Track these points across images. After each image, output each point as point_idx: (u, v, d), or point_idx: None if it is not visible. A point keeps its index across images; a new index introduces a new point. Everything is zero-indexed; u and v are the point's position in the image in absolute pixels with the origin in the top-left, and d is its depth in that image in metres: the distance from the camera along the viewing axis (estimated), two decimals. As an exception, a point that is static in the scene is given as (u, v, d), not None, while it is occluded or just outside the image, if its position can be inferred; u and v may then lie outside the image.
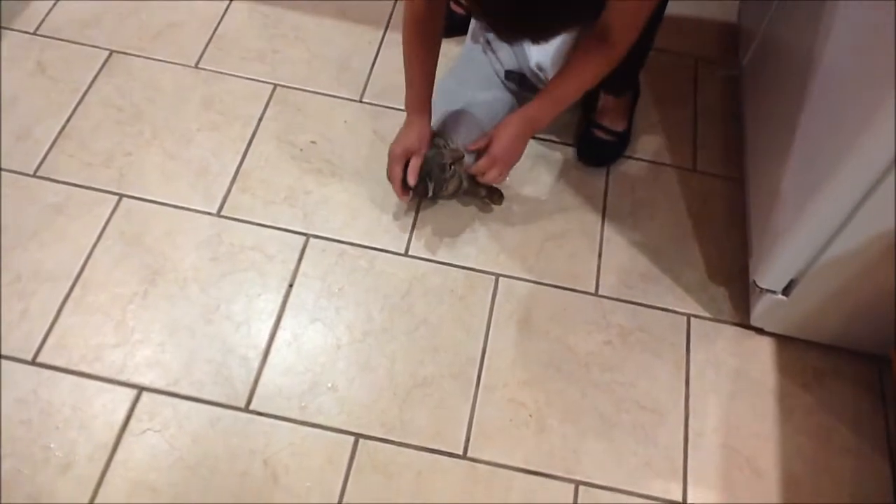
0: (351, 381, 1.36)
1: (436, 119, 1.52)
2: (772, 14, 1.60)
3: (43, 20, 1.77)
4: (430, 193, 1.48)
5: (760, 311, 1.42)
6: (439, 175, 1.47)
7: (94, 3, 1.81)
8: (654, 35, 1.46)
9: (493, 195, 1.55)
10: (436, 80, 1.47)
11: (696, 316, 1.49)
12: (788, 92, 1.38)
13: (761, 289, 1.37)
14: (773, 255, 1.30)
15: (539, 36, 1.11)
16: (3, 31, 1.75)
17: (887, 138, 1.01)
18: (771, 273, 1.33)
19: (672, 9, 1.38)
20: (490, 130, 1.47)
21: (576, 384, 1.39)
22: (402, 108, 1.51)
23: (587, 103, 1.69)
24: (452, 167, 1.47)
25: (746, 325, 1.48)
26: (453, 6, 1.68)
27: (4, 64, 1.69)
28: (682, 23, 1.91)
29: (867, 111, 1.03)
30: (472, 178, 1.50)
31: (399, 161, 1.46)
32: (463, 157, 1.48)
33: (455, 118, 1.56)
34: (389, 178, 1.49)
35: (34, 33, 1.75)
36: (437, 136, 1.51)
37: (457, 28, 1.76)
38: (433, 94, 1.48)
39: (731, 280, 1.53)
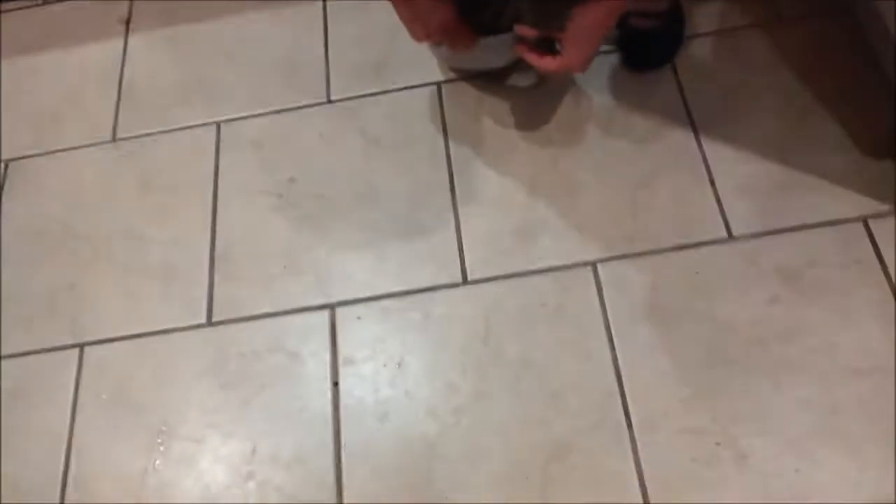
0: (464, 486, 0.97)
1: None
2: None
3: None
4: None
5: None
6: None
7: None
8: None
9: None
10: None
11: (872, 216, 1.07)
12: None
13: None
14: None
15: None
16: None
17: None
18: None
19: None
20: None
21: (758, 374, 0.99)
22: (388, 89, 1.18)
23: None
24: None
25: (946, 202, 1.05)
26: None
27: None
28: None
29: None
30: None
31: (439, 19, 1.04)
32: None
33: None
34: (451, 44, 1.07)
35: None
36: None
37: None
38: None
39: (893, 146, 1.10)
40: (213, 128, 1.29)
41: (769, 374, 0.98)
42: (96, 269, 1.20)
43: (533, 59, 1.03)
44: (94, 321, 1.15)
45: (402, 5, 1.03)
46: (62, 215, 1.25)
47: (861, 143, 1.11)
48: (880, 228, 1.06)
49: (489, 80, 1.25)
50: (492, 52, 1.11)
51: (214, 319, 1.13)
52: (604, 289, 1.07)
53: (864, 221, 1.07)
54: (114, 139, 1.32)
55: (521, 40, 1.06)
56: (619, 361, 1.02)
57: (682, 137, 1.16)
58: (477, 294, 1.09)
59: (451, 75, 1.27)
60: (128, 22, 1.45)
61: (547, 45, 1.04)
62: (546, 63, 1.02)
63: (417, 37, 1.07)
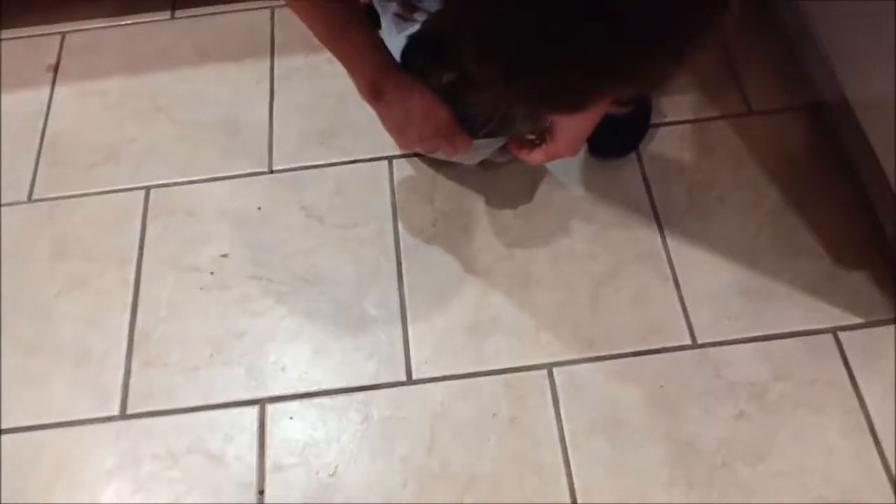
0: None
1: None
2: None
3: None
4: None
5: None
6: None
7: None
8: None
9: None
10: None
11: (842, 328, 1.01)
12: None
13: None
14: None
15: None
16: None
17: None
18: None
19: None
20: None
21: (725, 498, 0.91)
22: (334, 162, 1.10)
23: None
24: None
25: (917, 316, 1.01)
26: None
27: None
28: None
29: None
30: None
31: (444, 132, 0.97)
32: None
33: None
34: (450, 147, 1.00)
35: None
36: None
37: None
38: None
39: (867, 255, 1.06)
40: (142, 193, 1.18)
41: (735, 501, 0.91)
42: (-2, 348, 1.07)
43: (524, 154, 0.97)
44: (-8, 407, 1.02)
45: (396, 106, 0.94)
46: (-36, 283, 1.12)
47: (832, 250, 1.07)
48: (851, 341, 1.01)
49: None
50: (479, 150, 1.03)
51: (129, 411, 1.01)
52: (560, 396, 0.99)
53: (835, 333, 1.01)
54: (30, 199, 1.19)
55: (513, 138, 0.99)
56: (574, 480, 0.93)
57: (646, 233, 1.10)
58: (422, 395, 1.00)
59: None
60: (56, 69, 1.33)
61: (539, 139, 0.98)
62: (536, 156, 0.96)
63: (409, 140, 0.99)
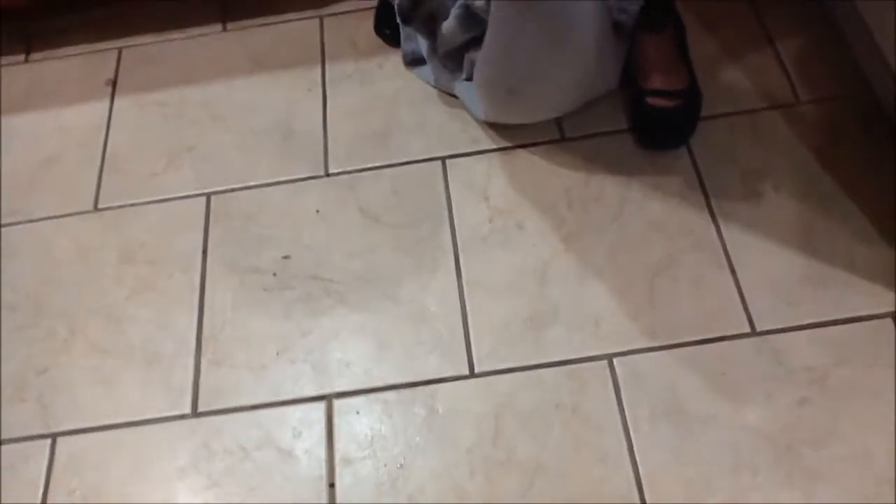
0: None
1: None
2: None
3: None
4: None
5: None
6: None
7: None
8: None
9: None
10: None
11: (901, 311, 1.01)
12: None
13: None
14: None
15: None
16: None
17: None
18: None
19: None
20: None
21: (789, 486, 0.92)
22: (388, 163, 1.14)
23: (628, 67, 1.20)
24: None
25: (978, 296, 1.00)
26: None
27: None
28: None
29: None
30: None
31: None
32: None
33: None
34: None
35: None
36: None
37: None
38: None
39: (925, 240, 1.05)
40: (203, 199, 1.22)
41: (801, 486, 0.92)
42: (71, 352, 1.11)
43: None
44: (68, 409, 1.06)
45: None
46: (36, 290, 1.16)
47: (887, 234, 1.07)
48: (910, 325, 1.01)
49: (496, 155, 1.20)
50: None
51: (200, 410, 1.04)
52: (621, 386, 1.00)
53: (894, 317, 1.01)
54: (95, 208, 1.24)
55: None
56: (640, 467, 0.95)
57: (700, 222, 1.11)
58: (485, 388, 1.02)
59: (457, 149, 1.21)
60: (114, 83, 1.38)
61: None
62: None
63: None
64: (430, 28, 1.18)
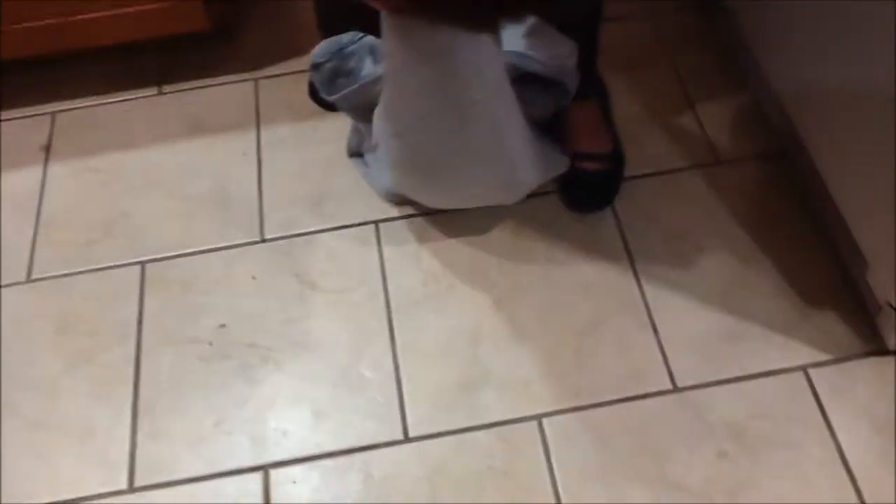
0: None
1: None
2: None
3: None
4: None
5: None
6: None
7: None
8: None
9: None
10: None
11: (813, 365, 1.07)
12: None
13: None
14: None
15: None
16: None
17: None
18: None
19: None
20: None
21: (712, 539, 0.96)
22: (323, 228, 1.17)
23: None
24: None
25: (884, 351, 1.06)
26: None
27: None
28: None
29: None
30: None
31: None
32: None
33: None
34: None
35: None
36: None
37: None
38: None
39: (836, 295, 1.12)
40: (138, 268, 1.23)
41: (722, 539, 0.96)
42: (4, 426, 1.10)
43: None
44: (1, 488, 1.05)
45: None
46: (-31, 365, 1.16)
47: (803, 291, 1.13)
48: (821, 378, 1.07)
49: (428, 218, 1.23)
50: None
51: (136, 485, 1.05)
52: (550, 446, 1.04)
53: (805, 371, 1.07)
54: (28, 279, 1.23)
55: None
56: (570, 526, 0.98)
57: (623, 282, 1.16)
58: (420, 453, 1.04)
59: (390, 213, 1.24)
60: (48, 148, 1.38)
61: None
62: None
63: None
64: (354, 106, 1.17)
